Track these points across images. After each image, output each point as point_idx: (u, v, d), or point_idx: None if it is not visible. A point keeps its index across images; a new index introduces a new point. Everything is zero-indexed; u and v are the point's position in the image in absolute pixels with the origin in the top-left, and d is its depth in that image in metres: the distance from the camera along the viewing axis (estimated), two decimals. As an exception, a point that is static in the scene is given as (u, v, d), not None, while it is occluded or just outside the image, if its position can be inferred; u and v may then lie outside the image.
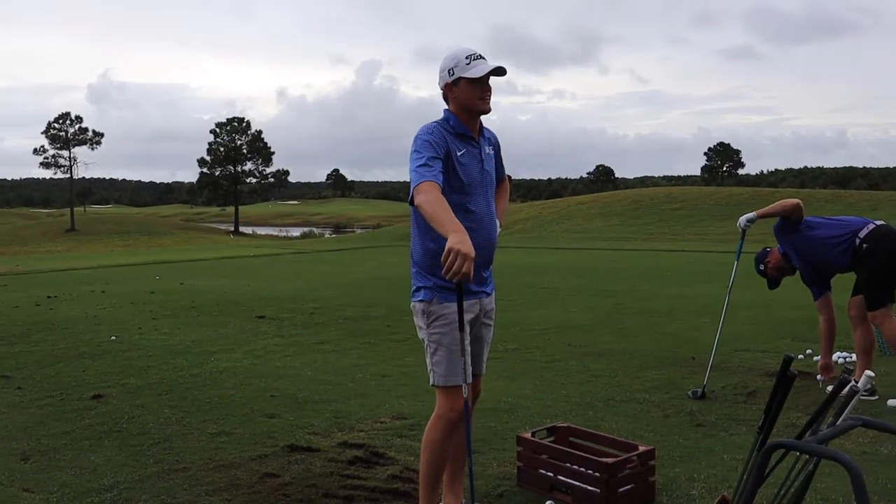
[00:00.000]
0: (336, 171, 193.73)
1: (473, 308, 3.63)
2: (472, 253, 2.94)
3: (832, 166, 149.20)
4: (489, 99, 3.53)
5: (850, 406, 2.77)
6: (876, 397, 5.98)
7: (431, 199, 3.18)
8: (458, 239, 2.94)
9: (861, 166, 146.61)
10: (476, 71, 3.46)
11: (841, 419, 2.78)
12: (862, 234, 5.92)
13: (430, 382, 3.60)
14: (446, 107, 3.62)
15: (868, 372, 2.82)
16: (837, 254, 6.01)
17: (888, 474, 4.35)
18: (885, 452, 4.71)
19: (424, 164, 3.32)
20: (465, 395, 3.42)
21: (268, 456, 4.82)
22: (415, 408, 5.84)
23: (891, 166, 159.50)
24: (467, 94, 3.50)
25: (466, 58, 3.49)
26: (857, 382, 5.63)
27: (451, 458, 3.78)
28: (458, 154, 3.51)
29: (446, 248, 2.93)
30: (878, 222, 6.07)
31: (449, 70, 3.52)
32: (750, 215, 6.65)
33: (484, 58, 3.51)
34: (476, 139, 3.61)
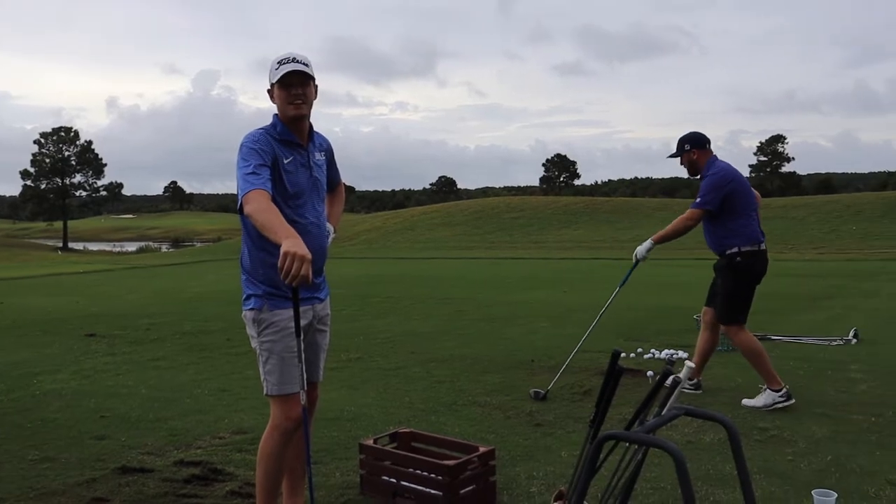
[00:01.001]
0: (174, 183, 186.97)
1: (307, 314, 3.55)
2: (309, 255, 2.91)
3: (660, 177, 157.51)
4: (300, 103, 3.43)
5: (673, 397, 2.91)
6: (700, 391, 6.33)
7: (262, 208, 3.12)
8: (292, 243, 2.91)
9: (685, 177, 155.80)
10: (277, 74, 3.41)
11: (666, 409, 2.92)
12: (745, 247, 5.94)
13: (264, 392, 3.51)
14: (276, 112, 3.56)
15: (688, 363, 2.97)
16: (722, 237, 6.03)
17: (711, 461, 4.61)
18: (708, 441, 4.99)
19: (252, 173, 3.23)
20: (302, 403, 3.35)
21: (96, 480, 4.54)
22: (255, 421, 5.68)
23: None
24: (280, 99, 3.44)
25: (278, 62, 3.42)
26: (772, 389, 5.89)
27: (289, 468, 3.71)
28: (285, 162, 3.43)
29: (282, 252, 2.89)
30: (763, 247, 6.06)
31: (269, 76, 3.47)
32: (646, 244, 6.39)
33: (298, 61, 3.42)
34: (304, 146, 3.54)
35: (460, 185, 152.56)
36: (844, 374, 6.94)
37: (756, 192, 6.28)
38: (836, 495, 3.82)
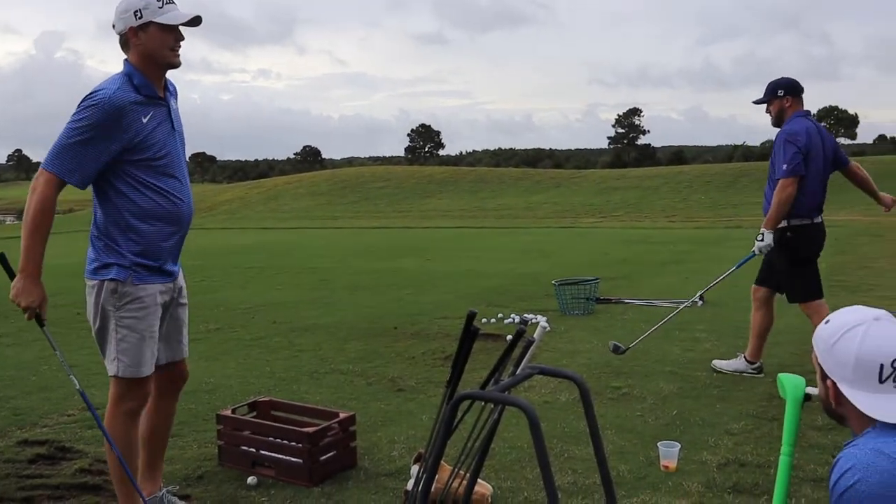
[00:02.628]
0: (19, 151, 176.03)
1: (170, 291, 3.34)
2: (35, 304, 3.07)
3: (523, 147, 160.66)
4: (179, 51, 3.17)
5: (527, 357, 2.98)
6: (762, 374, 5.80)
7: (45, 208, 3.08)
8: (20, 288, 3.05)
9: (548, 148, 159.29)
10: (172, 17, 3.08)
11: (520, 369, 2.98)
12: (794, 221, 5.42)
13: (114, 373, 3.22)
14: (125, 57, 3.18)
15: (542, 323, 3.05)
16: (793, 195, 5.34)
17: (566, 419, 4.77)
18: (564, 400, 5.16)
19: (80, 142, 2.98)
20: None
21: (-71, 463, 4.26)
22: (106, 396, 5.44)
23: (572, 148, 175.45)
24: (157, 42, 3.09)
25: (158, 1, 3.08)
26: (748, 360, 5.77)
27: (147, 445, 3.54)
28: (144, 121, 3.09)
29: (11, 294, 3.04)
30: (818, 219, 5.55)
31: (136, 12, 3.06)
32: (768, 237, 5.42)
33: (175, 3, 3.16)
34: (163, 97, 3.22)
35: (325, 155, 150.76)
36: (691, 333, 7.32)
37: (843, 155, 5.73)
38: (680, 446, 4.04)
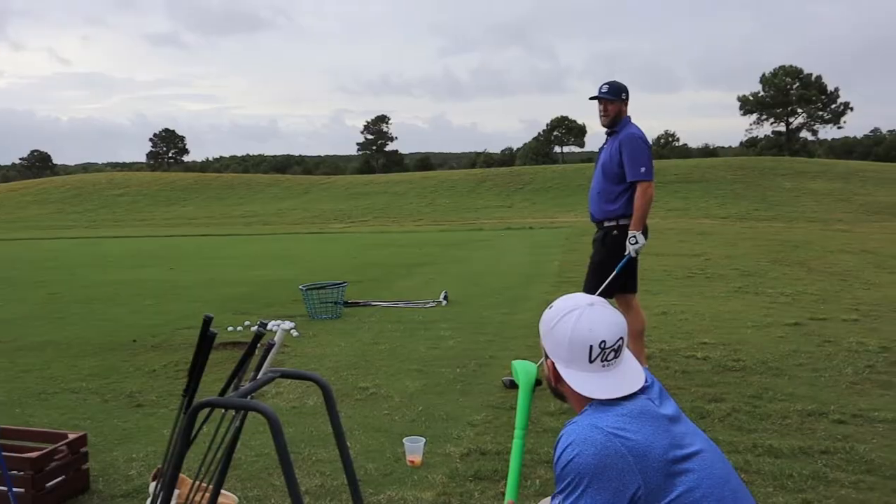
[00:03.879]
0: None
1: None
2: None
3: (272, 154, 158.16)
4: None
5: (267, 360, 2.93)
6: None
7: None
8: None
9: (297, 154, 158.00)
10: None
11: (261, 373, 2.93)
12: (623, 220, 5.46)
13: None
14: None
15: (283, 326, 3.01)
16: (612, 206, 5.50)
17: (314, 423, 4.75)
18: (312, 404, 5.14)
19: None
20: None
21: None
22: None
23: (321, 154, 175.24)
24: None
25: None
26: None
27: None
28: None
29: None
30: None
31: None
32: (640, 239, 5.41)
33: None
34: None
35: (57, 161, 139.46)
36: (436, 332, 7.56)
37: None
38: (425, 440, 4.16)
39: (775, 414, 4.73)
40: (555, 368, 2.03)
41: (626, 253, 5.45)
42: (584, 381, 1.98)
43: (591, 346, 1.97)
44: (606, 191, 5.54)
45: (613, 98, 5.50)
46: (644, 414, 1.91)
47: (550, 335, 2.04)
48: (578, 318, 2.01)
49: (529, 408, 2.51)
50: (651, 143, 5.72)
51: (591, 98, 5.57)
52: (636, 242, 5.43)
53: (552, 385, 2.11)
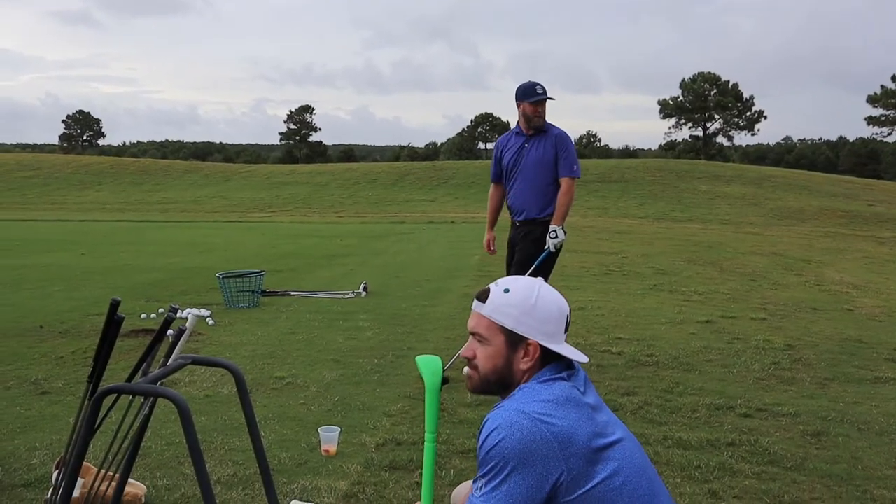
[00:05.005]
0: None
1: None
2: None
3: (192, 140, 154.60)
4: None
5: (178, 346, 2.86)
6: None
7: None
8: None
9: (218, 141, 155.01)
10: None
11: (171, 359, 2.86)
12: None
13: None
14: None
15: (194, 312, 2.95)
16: (548, 203, 5.59)
17: (227, 412, 4.66)
18: (226, 393, 5.04)
19: None
20: None
21: None
22: None
23: (243, 143, 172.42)
24: None
25: None
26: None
27: None
28: None
29: None
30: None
31: None
32: (561, 233, 5.53)
33: None
34: None
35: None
36: (354, 323, 7.51)
37: None
38: (340, 429, 4.13)
39: (685, 407, 4.85)
40: (537, 349, 1.99)
41: (546, 247, 5.53)
42: (569, 351, 2.02)
43: (567, 316, 2.04)
44: (541, 188, 5.61)
45: (549, 98, 5.56)
46: (570, 401, 1.92)
47: (533, 313, 2.00)
48: (550, 290, 2.04)
49: (437, 409, 2.32)
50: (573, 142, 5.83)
51: (533, 101, 5.52)
52: (556, 237, 5.53)
53: (493, 373, 2.04)
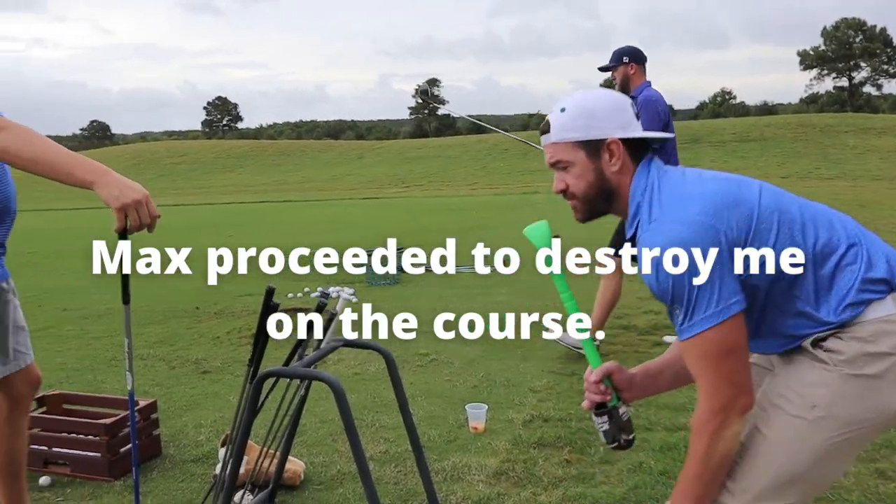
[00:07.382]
0: None
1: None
2: (144, 193, 2.26)
3: (324, 119, 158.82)
4: None
5: (331, 330, 2.95)
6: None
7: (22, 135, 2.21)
8: (115, 186, 2.25)
9: (349, 119, 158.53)
10: None
11: (324, 343, 2.96)
12: None
13: None
14: None
15: (345, 294, 3.03)
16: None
17: (375, 389, 4.80)
18: (374, 370, 5.18)
19: None
20: None
21: None
22: None
23: (373, 119, 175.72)
24: None
25: None
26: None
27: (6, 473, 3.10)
28: None
29: (116, 204, 2.22)
30: None
31: None
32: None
33: None
34: None
35: (116, 131, 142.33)
36: (493, 297, 7.55)
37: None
38: (487, 406, 4.17)
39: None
40: (619, 146, 1.96)
41: None
42: (650, 133, 2.03)
43: (631, 104, 2.02)
44: None
45: (615, 64, 5.56)
46: (703, 177, 1.94)
47: (595, 113, 1.98)
48: (602, 90, 2.07)
49: (562, 269, 2.16)
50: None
51: (601, 69, 5.64)
52: None
53: (590, 189, 2.00)
